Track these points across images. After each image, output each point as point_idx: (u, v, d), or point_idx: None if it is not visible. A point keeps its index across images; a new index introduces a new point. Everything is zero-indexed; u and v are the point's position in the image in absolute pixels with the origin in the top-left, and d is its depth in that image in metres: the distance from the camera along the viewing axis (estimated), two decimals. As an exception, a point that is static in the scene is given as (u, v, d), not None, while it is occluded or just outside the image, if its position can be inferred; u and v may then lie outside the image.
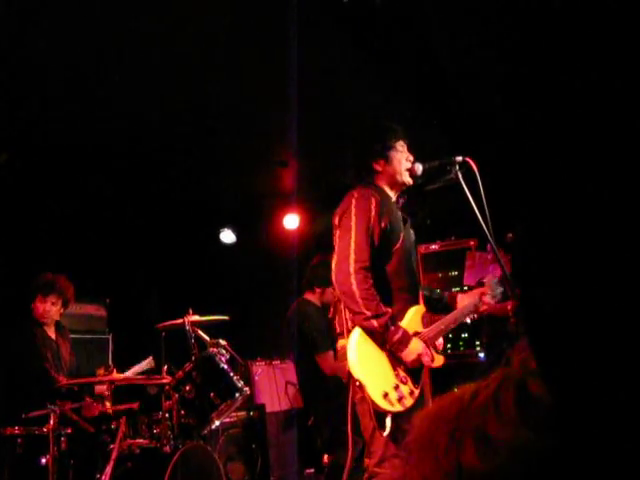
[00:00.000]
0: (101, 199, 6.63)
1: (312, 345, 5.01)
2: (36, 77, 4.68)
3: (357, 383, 2.82)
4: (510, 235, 4.66)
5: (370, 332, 2.91)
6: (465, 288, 6.21)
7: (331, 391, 4.76)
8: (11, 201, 5.97)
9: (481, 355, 5.83)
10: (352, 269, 2.92)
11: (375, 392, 2.80)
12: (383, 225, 3.06)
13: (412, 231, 3.39)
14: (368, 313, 2.87)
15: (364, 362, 2.87)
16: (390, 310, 2.95)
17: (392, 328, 2.90)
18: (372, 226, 3.03)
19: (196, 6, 4.10)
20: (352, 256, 2.94)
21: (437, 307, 3.41)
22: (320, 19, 4.31)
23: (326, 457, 6.52)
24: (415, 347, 2.94)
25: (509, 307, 3.77)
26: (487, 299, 3.35)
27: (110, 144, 5.79)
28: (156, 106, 5.27)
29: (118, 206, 6.80)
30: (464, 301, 3.37)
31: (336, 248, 3.06)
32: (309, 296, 5.29)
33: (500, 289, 3.50)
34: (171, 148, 6.07)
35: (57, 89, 4.87)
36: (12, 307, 4.96)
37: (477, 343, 5.86)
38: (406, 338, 2.94)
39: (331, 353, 4.90)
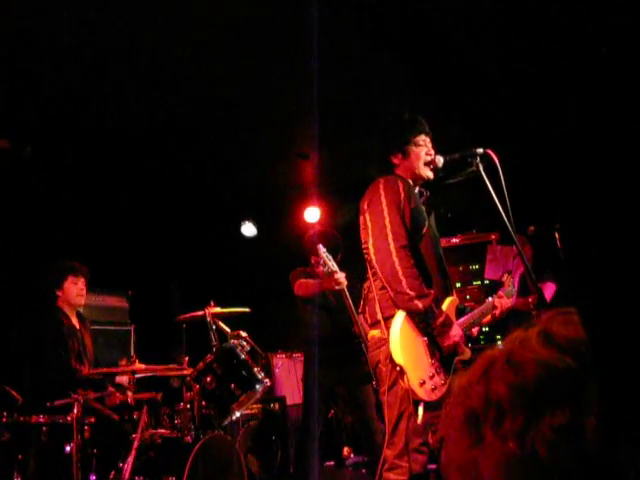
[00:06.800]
0: (123, 192, 6.68)
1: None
2: (60, 71, 4.73)
3: (397, 368, 2.79)
4: (532, 228, 4.64)
5: (413, 316, 2.89)
6: (486, 282, 6.19)
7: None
8: (34, 194, 6.04)
9: (502, 349, 5.80)
10: (393, 247, 2.90)
11: (414, 379, 2.79)
12: (412, 206, 3.07)
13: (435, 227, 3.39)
14: (412, 293, 2.85)
15: (406, 348, 2.84)
16: (433, 292, 2.94)
17: (437, 311, 2.90)
18: (403, 206, 3.03)
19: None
20: (390, 235, 2.93)
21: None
22: (342, 11, 4.30)
23: (346, 449, 6.55)
24: (455, 332, 2.94)
25: (530, 300, 3.76)
26: (499, 300, 3.34)
27: (131, 138, 5.83)
28: (177, 100, 5.30)
29: (140, 199, 6.85)
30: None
31: (370, 231, 3.04)
32: None
33: (514, 288, 3.48)
34: (193, 142, 6.09)
35: (82, 83, 4.91)
36: (35, 297, 5.02)
37: (498, 337, 5.84)
38: (449, 322, 2.93)
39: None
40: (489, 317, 3.46)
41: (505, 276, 3.48)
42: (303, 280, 4.81)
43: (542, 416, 0.64)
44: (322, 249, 4.19)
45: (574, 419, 0.63)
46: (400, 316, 2.89)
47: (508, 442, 0.66)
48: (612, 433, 0.61)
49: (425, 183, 3.33)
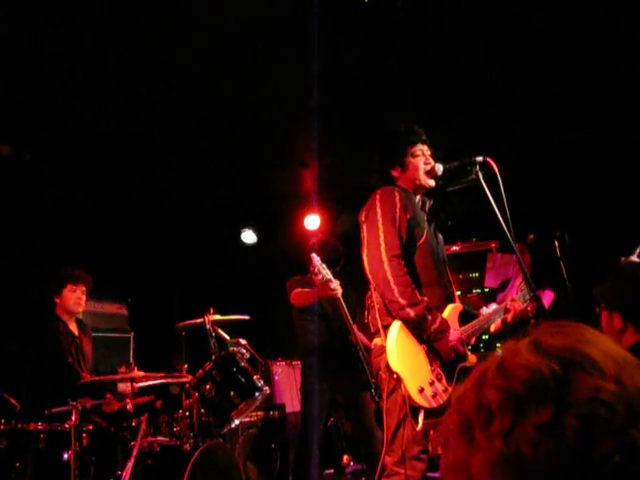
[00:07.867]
0: (123, 200, 6.70)
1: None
2: (61, 77, 4.74)
3: (394, 376, 2.80)
4: (531, 236, 4.64)
5: (408, 324, 2.90)
6: (486, 290, 6.19)
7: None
8: (34, 201, 6.05)
9: (502, 357, 5.78)
10: (385, 257, 2.94)
11: (412, 386, 2.79)
12: (408, 216, 3.10)
13: (440, 235, 3.39)
14: (403, 302, 2.87)
15: (403, 355, 2.85)
16: (426, 299, 2.94)
17: (429, 317, 2.90)
18: (399, 217, 3.06)
19: (219, 7, 4.12)
20: (383, 245, 2.97)
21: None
22: (341, 20, 4.32)
23: (346, 457, 6.52)
24: (453, 337, 2.94)
25: (529, 308, 3.75)
26: (514, 304, 3.36)
27: (131, 145, 5.84)
28: (178, 108, 5.31)
29: (140, 207, 6.86)
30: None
31: (365, 241, 3.09)
32: None
33: (529, 295, 3.49)
34: (193, 149, 6.11)
35: (82, 89, 4.92)
36: (34, 305, 5.02)
37: (497, 345, 5.83)
38: (444, 327, 2.93)
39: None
40: (499, 323, 3.45)
41: (519, 281, 3.50)
42: (300, 290, 4.82)
43: (527, 415, 0.68)
44: (316, 258, 4.21)
45: (556, 417, 0.67)
46: (396, 325, 2.91)
47: (494, 441, 0.69)
48: (591, 430, 0.65)
49: (427, 192, 3.34)
